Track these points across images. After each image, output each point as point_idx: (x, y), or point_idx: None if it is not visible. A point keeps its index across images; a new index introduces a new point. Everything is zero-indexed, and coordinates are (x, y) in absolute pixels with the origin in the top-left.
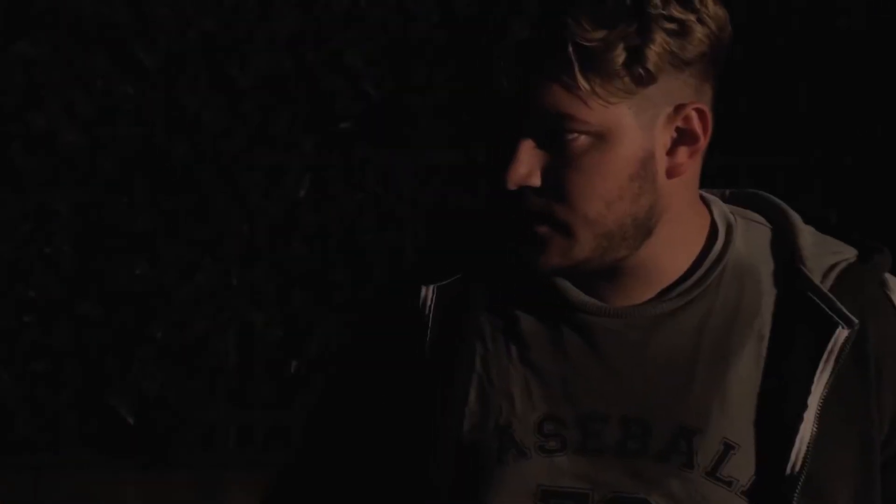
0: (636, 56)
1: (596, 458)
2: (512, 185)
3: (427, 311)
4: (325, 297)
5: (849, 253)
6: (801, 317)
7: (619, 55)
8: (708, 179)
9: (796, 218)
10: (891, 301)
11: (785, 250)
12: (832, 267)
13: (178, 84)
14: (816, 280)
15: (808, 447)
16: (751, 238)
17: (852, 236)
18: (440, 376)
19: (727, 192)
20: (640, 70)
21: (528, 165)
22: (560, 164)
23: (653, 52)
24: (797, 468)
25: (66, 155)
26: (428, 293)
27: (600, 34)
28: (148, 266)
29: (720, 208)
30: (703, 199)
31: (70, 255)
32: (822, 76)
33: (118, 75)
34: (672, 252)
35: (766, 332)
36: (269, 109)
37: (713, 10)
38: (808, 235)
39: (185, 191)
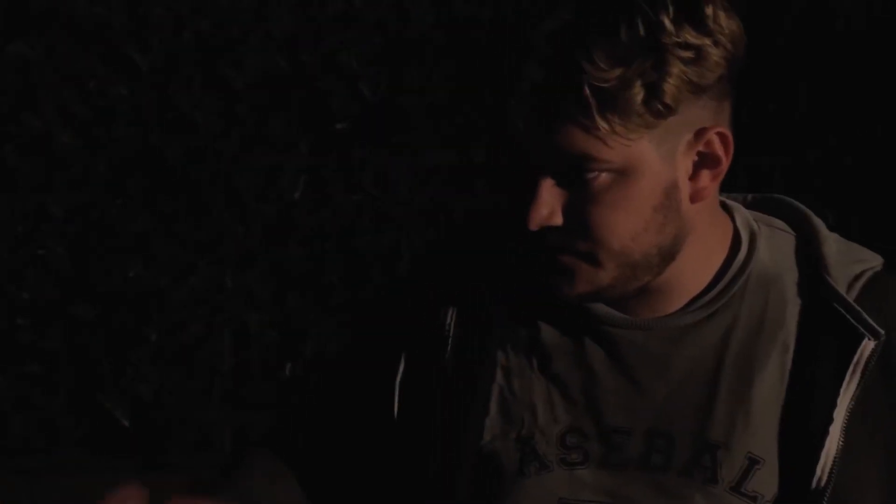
0: (654, 91)
1: (619, 472)
2: (534, 227)
3: (448, 327)
4: (322, 298)
5: (875, 261)
6: (826, 328)
7: (638, 93)
8: None
9: (820, 224)
10: None
11: (809, 259)
12: (858, 276)
13: (172, 85)
14: (842, 290)
15: (833, 461)
16: (775, 246)
17: (876, 244)
18: (460, 386)
19: (749, 196)
20: (659, 104)
21: (549, 206)
22: (582, 201)
23: (671, 86)
24: (823, 483)
25: (60, 156)
26: (449, 312)
27: (616, 73)
28: (143, 268)
29: (742, 216)
30: (724, 205)
31: (64, 257)
32: (822, 76)
33: (113, 76)
34: (695, 267)
35: (791, 344)
36: (264, 110)
37: (727, 26)
38: (832, 243)
39: (180, 192)
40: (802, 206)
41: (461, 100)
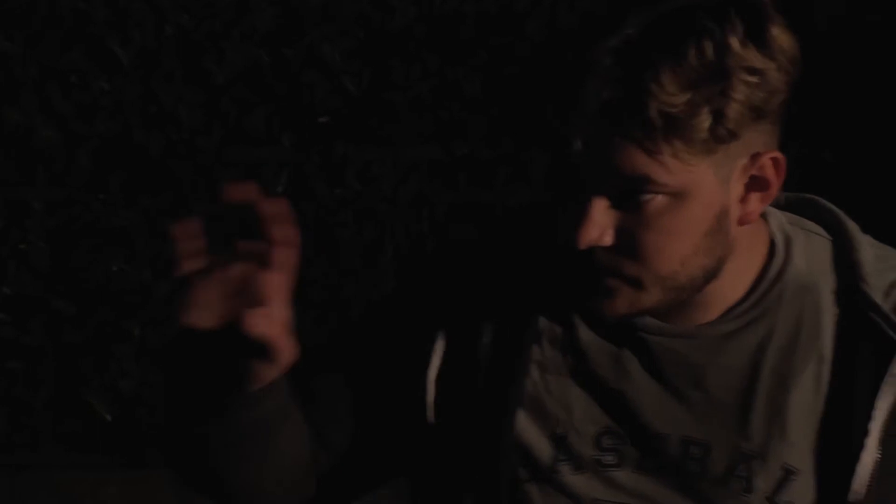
0: (719, 117)
1: (653, 477)
2: (583, 246)
3: (487, 313)
4: (303, 293)
5: None
6: (862, 337)
7: (704, 119)
8: None
9: (854, 228)
10: None
11: (845, 265)
12: (893, 284)
13: (154, 79)
14: (878, 299)
15: (871, 474)
16: (811, 252)
17: None
18: (494, 376)
19: (783, 197)
20: (724, 130)
21: (600, 226)
22: (634, 223)
23: (736, 111)
24: (860, 496)
25: (41, 150)
26: (489, 298)
27: (684, 97)
28: (125, 262)
29: (777, 220)
30: None
31: (46, 252)
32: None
33: (94, 71)
34: (734, 278)
35: (827, 354)
36: (246, 105)
37: (789, 49)
38: (867, 248)
39: (162, 186)
40: (836, 209)
41: (444, 94)
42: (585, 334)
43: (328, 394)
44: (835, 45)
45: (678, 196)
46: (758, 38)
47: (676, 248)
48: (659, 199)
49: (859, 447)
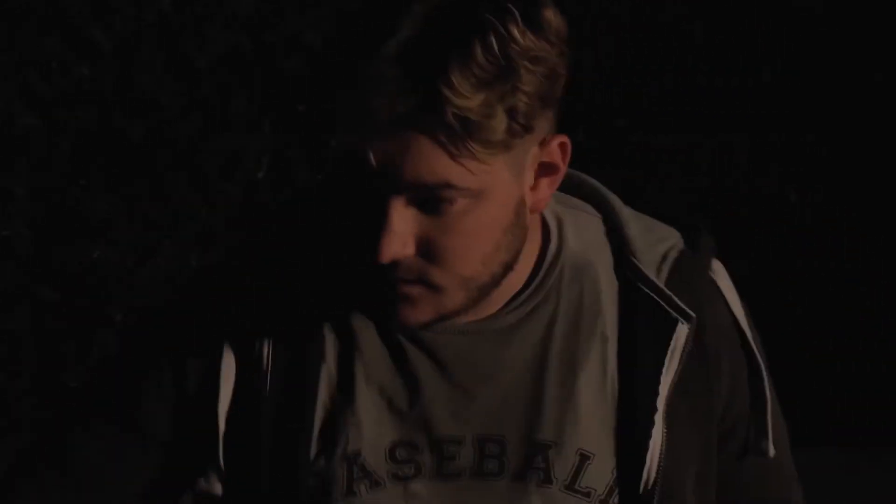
0: (514, 113)
1: (453, 482)
2: (387, 260)
3: (264, 350)
4: None
5: (674, 237)
6: (641, 314)
7: (501, 119)
8: (667, 155)
9: (618, 203)
10: (719, 288)
11: (615, 242)
12: (664, 258)
13: (134, 65)
14: (651, 274)
15: (661, 448)
16: (582, 231)
17: (666, 215)
18: (283, 406)
19: None
20: (518, 125)
21: (402, 237)
22: (435, 229)
23: (528, 105)
24: (653, 471)
25: (22, 137)
26: (264, 335)
27: (479, 98)
28: (107, 249)
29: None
30: None
31: (27, 239)
32: (784, 54)
33: (74, 57)
34: (517, 266)
35: (611, 333)
36: (227, 90)
37: (562, 28)
38: (633, 222)
39: (142, 173)
40: (598, 183)
41: None
42: (371, 345)
43: (94, 455)
44: (816, 29)
45: (478, 196)
46: (535, 24)
47: (479, 248)
48: (459, 203)
49: (648, 424)
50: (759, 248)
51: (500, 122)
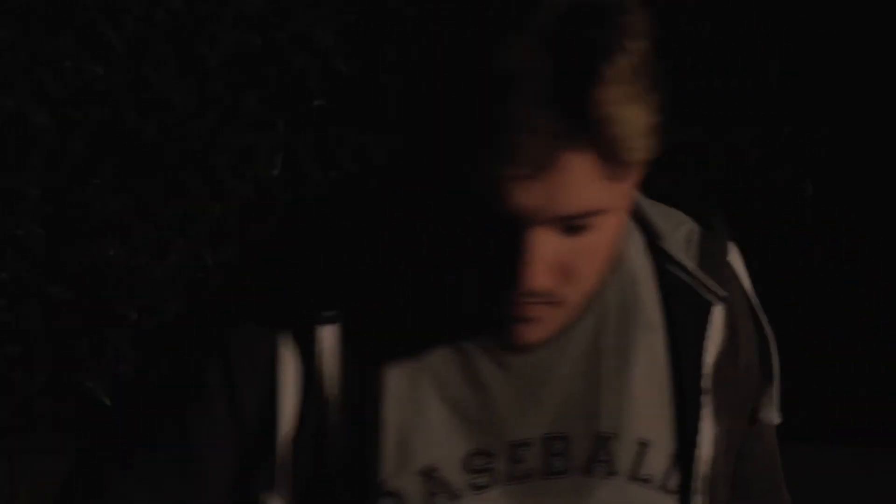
0: (655, 128)
1: (525, 485)
2: (528, 290)
3: (318, 358)
4: None
5: (688, 220)
6: (677, 299)
7: (648, 136)
8: (680, 151)
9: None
10: (733, 267)
11: (642, 229)
12: (688, 241)
13: (146, 64)
14: (682, 258)
15: (711, 429)
16: None
17: (672, 198)
18: (350, 427)
19: None
20: (652, 133)
21: (545, 265)
22: (573, 250)
23: (656, 108)
24: (705, 449)
25: (35, 136)
26: (324, 335)
27: (631, 120)
28: (120, 246)
29: None
30: None
31: (41, 238)
32: (796, 46)
33: (87, 56)
34: None
35: (655, 321)
36: (239, 88)
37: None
38: (650, 207)
39: (156, 171)
40: None
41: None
42: (437, 356)
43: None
44: (828, 21)
45: (612, 213)
46: (644, 35)
47: (606, 261)
48: (599, 220)
49: (697, 407)
50: (773, 243)
51: (648, 139)
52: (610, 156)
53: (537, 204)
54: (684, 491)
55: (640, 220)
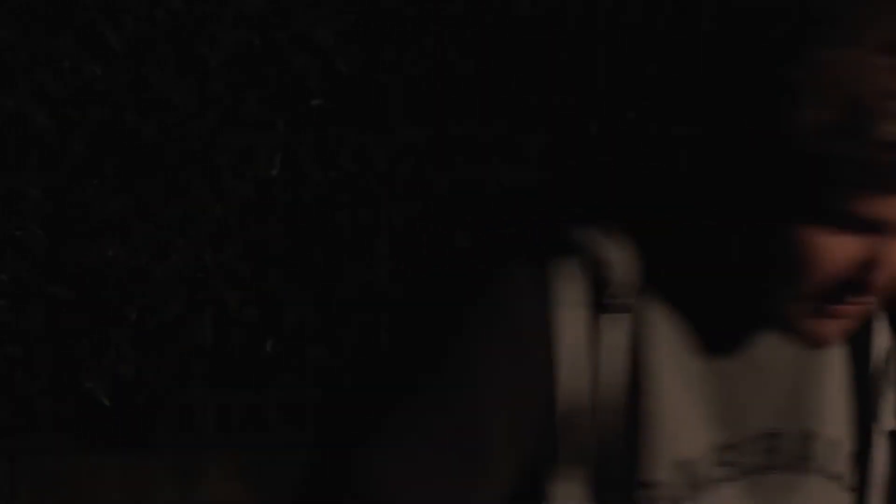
0: None
1: (754, 479)
2: (867, 294)
3: (610, 341)
4: (300, 276)
5: None
6: None
7: None
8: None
9: None
10: None
11: None
12: None
13: (146, 64)
14: None
15: (884, 431)
16: None
17: None
18: (599, 419)
19: None
20: None
21: (890, 270)
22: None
23: None
24: (881, 453)
25: (35, 137)
26: (619, 320)
27: None
28: (121, 247)
29: None
30: None
31: (41, 238)
32: None
33: (87, 56)
34: None
35: None
36: (239, 88)
37: None
38: None
39: (156, 171)
40: None
41: (438, 74)
42: (706, 348)
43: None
44: None
45: None
46: None
47: None
48: None
49: (873, 407)
50: None
51: None
52: None
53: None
54: (862, 490)
55: None
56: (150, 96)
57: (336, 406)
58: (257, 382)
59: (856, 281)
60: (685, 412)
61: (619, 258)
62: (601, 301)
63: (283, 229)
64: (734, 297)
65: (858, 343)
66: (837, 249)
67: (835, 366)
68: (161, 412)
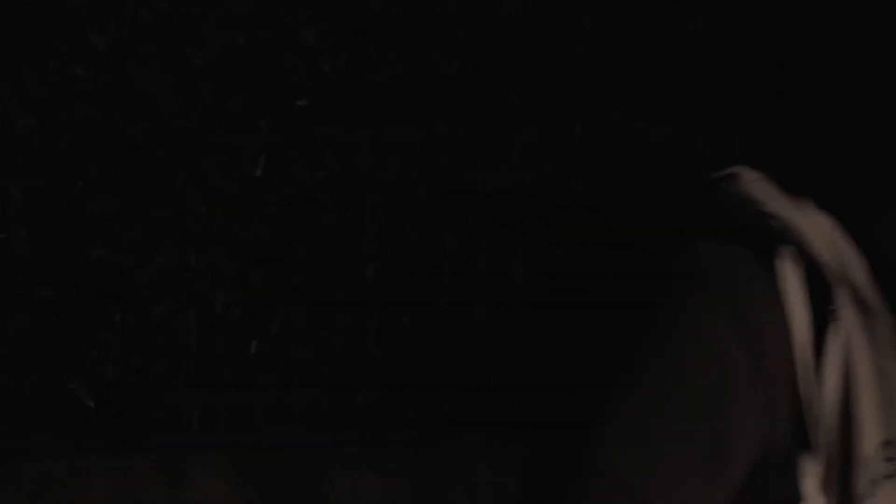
0: None
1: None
2: None
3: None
4: (286, 276)
5: None
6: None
7: None
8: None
9: None
10: None
11: None
12: None
13: (132, 65)
14: None
15: None
16: None
17: None
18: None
19: None
20: None
21: None
22: None
23: None
24: None
25: (20, 138)
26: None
27: None
28: (106, 249)
29: None
30: None
31: (27, 240)
32: (782, 43)
33: (72, 57)
34: None
35: None
36: (225, 89)
37: None
38: None
39: (141, 173)
40: None
41: (423, 74)
42: (872, 344)
43: None
44: (817, 20)
45: None
46: None
47: None
48: None
49: None
50: None
51: None
52: None
53: None
54: None
55: None
56: (135, 97)
57: (571, 407)
58: (243, 383)
59: None
60: (869, 411)
61: (834, 254)
62: (823, 303)
63: (269, 230)
64: None
65: None
66: None
67: None
68: (147, 413)
